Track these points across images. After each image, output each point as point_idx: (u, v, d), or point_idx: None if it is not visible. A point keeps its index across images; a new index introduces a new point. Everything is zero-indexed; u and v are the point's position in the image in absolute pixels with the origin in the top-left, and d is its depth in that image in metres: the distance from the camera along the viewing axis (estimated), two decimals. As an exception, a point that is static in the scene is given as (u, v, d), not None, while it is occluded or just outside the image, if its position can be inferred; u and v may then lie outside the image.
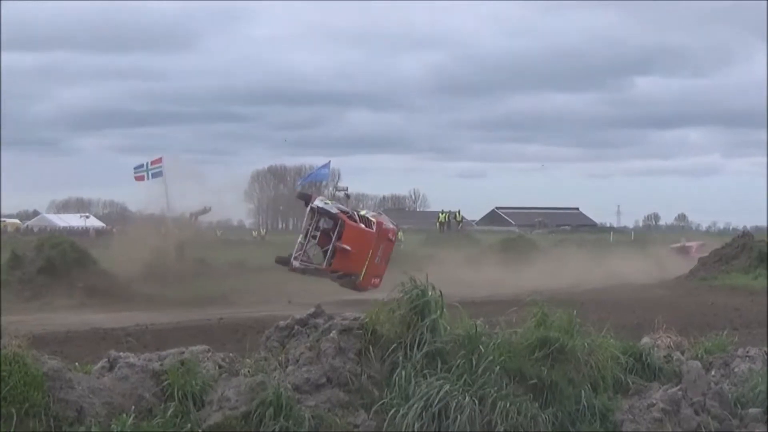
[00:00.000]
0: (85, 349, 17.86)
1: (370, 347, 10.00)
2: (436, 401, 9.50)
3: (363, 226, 25.18)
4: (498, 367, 9.94)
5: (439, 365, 9.93)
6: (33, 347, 9.14)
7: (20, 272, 33.81)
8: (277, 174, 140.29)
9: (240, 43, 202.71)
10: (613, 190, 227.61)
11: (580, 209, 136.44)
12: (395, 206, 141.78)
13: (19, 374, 8.63)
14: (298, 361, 9.92)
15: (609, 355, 10.56)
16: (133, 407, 9.00)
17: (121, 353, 9.84)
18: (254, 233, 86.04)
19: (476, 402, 9.60)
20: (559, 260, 48.23)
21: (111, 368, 9.58)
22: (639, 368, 10.88)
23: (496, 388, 9.78)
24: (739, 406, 10.51)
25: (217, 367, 9.85)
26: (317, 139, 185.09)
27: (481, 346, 10.07)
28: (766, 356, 11.36)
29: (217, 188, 50.94)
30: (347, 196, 35.42)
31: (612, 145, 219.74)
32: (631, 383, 10.60)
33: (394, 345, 10.01)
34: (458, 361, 9.95)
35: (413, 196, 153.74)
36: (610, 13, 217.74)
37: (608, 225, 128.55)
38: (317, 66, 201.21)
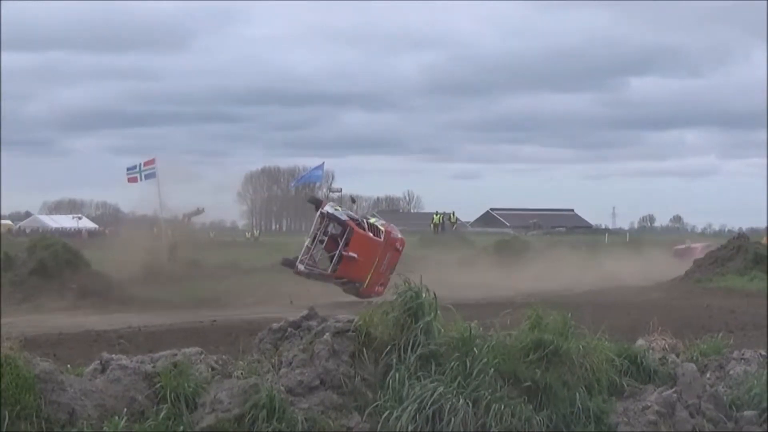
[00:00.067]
0: (77, 351, 17.82)
1: (364, 349, 9.97)
2: (429, 403, 9.48)
3: (371, 234, 25.27)
4: (492, 369, 9.91)
5: (433, 367, 9.90)
6: (25, 349, 9.11)
7: (12, 274, 33.70)
8: (270, 175, 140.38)
9: (235, 43, 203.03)
10: (609, 191, 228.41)
11: (575, 211, 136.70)
12: (389, 208, 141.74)
13: (11, 376, 8.59)
14: (291, 363, 9.88)
15: (604, 357, 10.53)
16: (126, 409, 8.97)
17: (114, 355, 9.80)
18: (247, 234, 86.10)
19: (470, 404, 9.58)
20: (554, 262, 48.20)
21: (103, 370, 9.54)
22: (634, 371, 10.86)
23: (490, 391, 9.75)
24: (734, 408, 10.50)
25: (209, 370, 9.80)
26: (312, 140, 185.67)
27: (475, 349, 10.04)
28: (761, 358, 11.34)
29: (210, 189, 51.04)
30: (353, 200, 35.54)
31: (608, 146, 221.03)
32: (626, 386, 10.57)
33: (388, 347, 9.98)
34: (452, 364, 9.91)
35: (407, 198, 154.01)
36: (606, 13, 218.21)
37: (603, 227, 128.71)
38: (313, 66, 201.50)
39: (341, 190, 75.32)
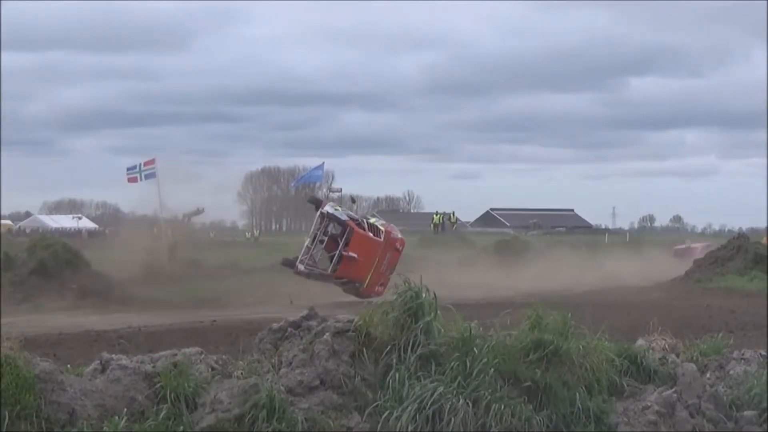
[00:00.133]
0: (77, 351, 17.82)
1: (364, 349, 9.97)
2: (429, 403, 9.48)
3: (371, 234, 25.27)
4: (492, 369, 9.90)
5: (433, 367, 9.89)
6: (25, 349, 9.10)
7: (12, 274, 33.70)
8: (270, 175, 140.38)
9: (235, 43, 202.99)
10: (609, 191, 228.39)
11: (575, 211, 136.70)
12: (389, 208, 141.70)
13: (11, 376, 8.59)
14: (291, 363, 9.88)
15: (604, 357, 10.53)
16: (126, 409, 8.96)
17: (114, 355, 9.80)
18: (247, 234, 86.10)
19: (470, 404, 9.58)
20: (554, 262, 48.19)
21: (103, 370, 9.53)
22: (634, 371, 10.85)
23: (490, 391, 9.75)
24: (734, 408, 10.50)
25: (209, 370, 9.80)
26: (312, 140, 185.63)
27: (475, 349, 10.03)
28: (761, 358, 11.33)
29: (210, 189, 51.05)
30: (353, 200, 35.55)
31: (608, 146, 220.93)
32: (625, 386, 10.56)
33: (388, 347, 9.97)
34: (452, 364, 9.91)
35: (407, 198, 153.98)
36: (606, 13, 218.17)
37: (603, 227, 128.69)
38: (313, 66, 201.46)
39: (341, 190, 75.42)
